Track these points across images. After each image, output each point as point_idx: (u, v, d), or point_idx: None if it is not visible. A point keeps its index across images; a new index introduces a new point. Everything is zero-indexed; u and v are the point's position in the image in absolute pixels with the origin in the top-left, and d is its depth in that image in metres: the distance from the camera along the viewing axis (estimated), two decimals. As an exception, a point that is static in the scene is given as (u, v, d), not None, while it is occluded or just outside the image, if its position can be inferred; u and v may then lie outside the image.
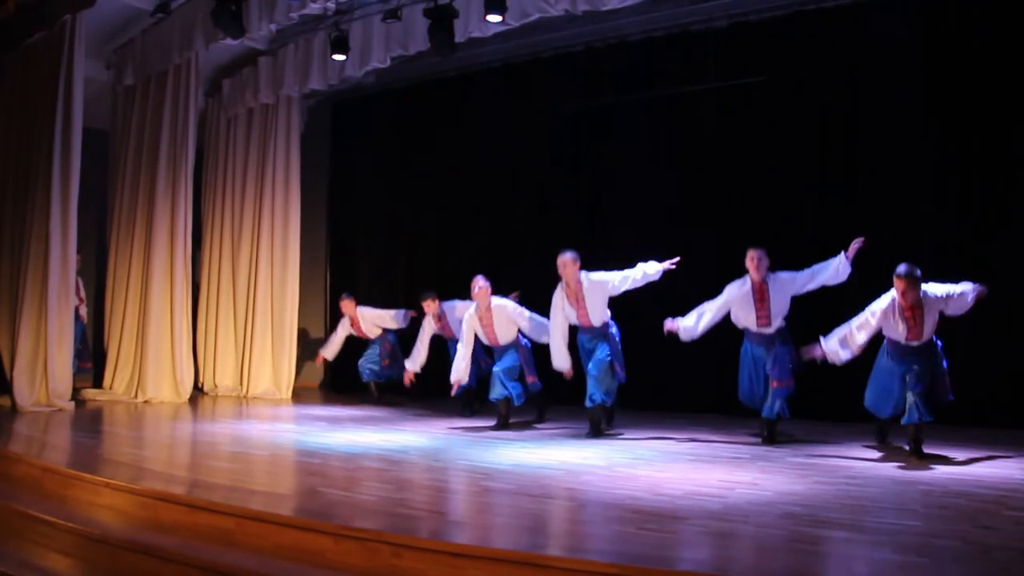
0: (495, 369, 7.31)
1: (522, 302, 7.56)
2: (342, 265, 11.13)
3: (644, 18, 8.55)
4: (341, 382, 10.71)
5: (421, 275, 10.30)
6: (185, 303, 9.40)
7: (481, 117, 9.97)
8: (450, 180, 10.19)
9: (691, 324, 6.43)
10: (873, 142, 7.79)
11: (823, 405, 7.36)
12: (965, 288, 5.64)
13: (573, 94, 9.34)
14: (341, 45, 8.58)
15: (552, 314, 6.98)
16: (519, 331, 7.40)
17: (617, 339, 6.93)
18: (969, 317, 6.96)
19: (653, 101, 8.91)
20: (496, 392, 7.23)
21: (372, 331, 9.50)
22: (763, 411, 6.36)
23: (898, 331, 5.67)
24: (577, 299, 6.79)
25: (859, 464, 5.51)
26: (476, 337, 7.53)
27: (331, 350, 9.83)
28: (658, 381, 8.48)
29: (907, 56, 7.59)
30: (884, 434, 6.13)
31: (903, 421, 5.64)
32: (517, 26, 7.73)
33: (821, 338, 5.91)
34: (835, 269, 6.14)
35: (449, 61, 9.01)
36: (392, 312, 9.37)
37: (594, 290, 6.76)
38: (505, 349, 7.38)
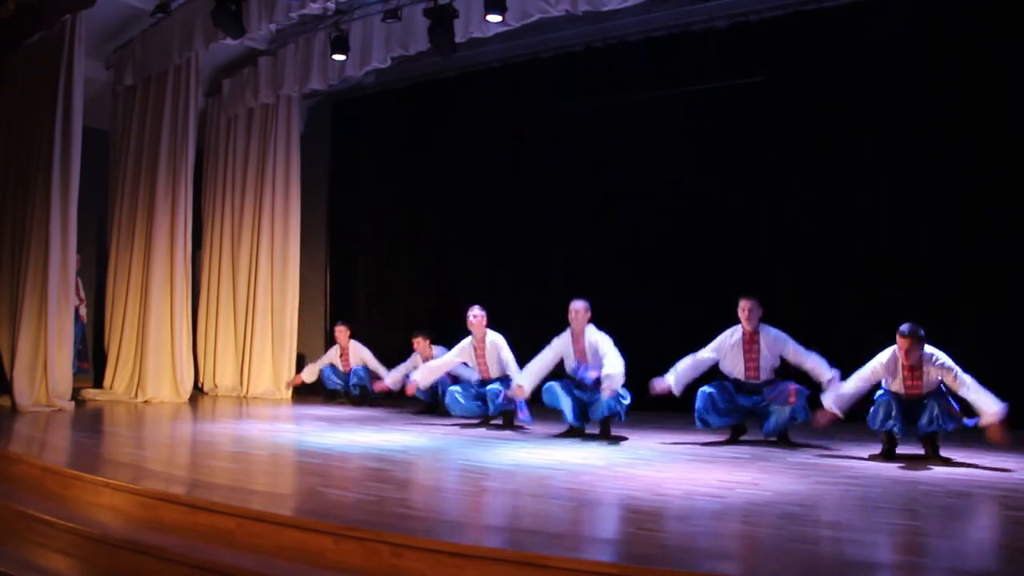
0: (490, 388, 7.21)
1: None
2: (342, 265, 11.14)
3: (644, 18, 8.56)
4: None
5: (421, 274, 10.32)
6: (185, 303, 9.40)
7: (481, 117, 9.98)
8: (450, 180, 10.20)
9: (677, 377, 6.34)
10: (873, 142, 7.80)
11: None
12: (983, 401, 5.36)
13: (573, 94, 9.34)
14: (341, 45, 8.59)
15: (546, 350, 6.78)
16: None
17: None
18: (969, 317, 6.99)
19: (653, 101, 8.92)
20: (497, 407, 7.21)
21: (358, 363, 9.34)
22: (766, 426, 6.21)
23: (897, 385, 5.62)
24: (580, 349, 6.69)
25: (859, 464, 5.51)
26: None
27: (310, 372, 9.69)
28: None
29: (907, 56, 7.60)
30: (893, 448, 5.72)
31: (923, 429, 5.51)
32: (517, 26, 7.73)
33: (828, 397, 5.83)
34: (821, 374, 6.00)
35: (449, 61, 9.02)
36: (382, 367, 9.10)
37: (593, 346, 6.64)
38: (492, 383, 7.28)
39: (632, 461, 5.63)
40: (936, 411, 5.42)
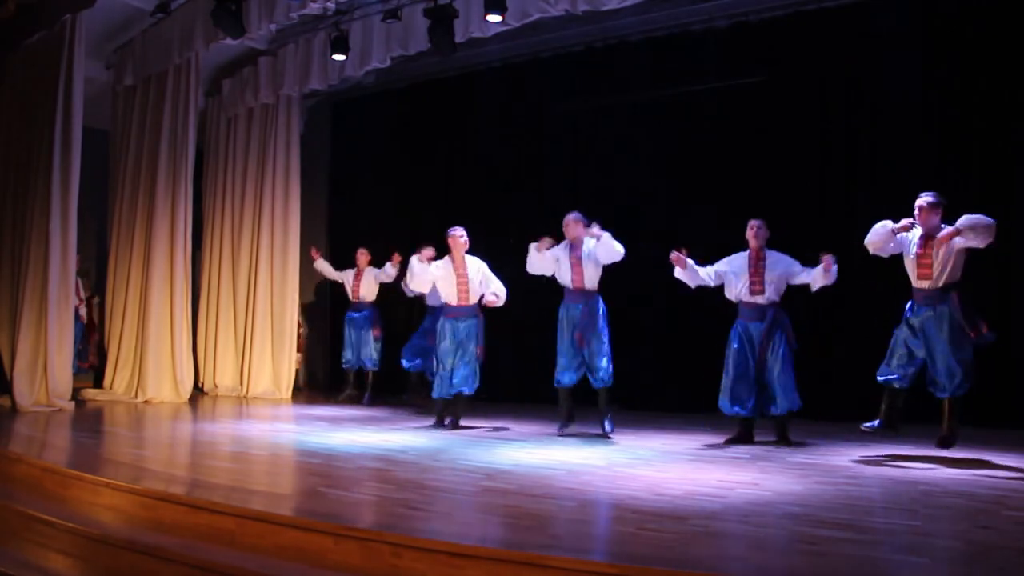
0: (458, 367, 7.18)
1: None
2: (342, 265, 11.11)
3: (644, 18, 8.55)
4: (339, 382, 10.71)
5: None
6: (185, 303, 9.40)
7: (481, 117, 9.98)
8: (450, 180, 10.20)
9: (695, 270, 6.55)
10: (873, 142, 7.80)
11: (823, 405, 7.36)
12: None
13: (573, 94, 9.34)
14: (341, 45, 8.59)
15: (545, 257, 6.92)
16: (480, 304, 7.34)
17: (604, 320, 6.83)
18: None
19: (653, 101, 8.91)
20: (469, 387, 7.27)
21: (369, 290, 9.53)
22: (770, 409, 6.26)
23: (911, 264, 5.64)
24: (577, 259, 6.83)
25: (859, 464, 5.51)
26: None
27: (325, 265, 9.86)
28: (657, 381, 8.49)
29: (907, 56, 7.60)
30: (893, 412, 5.66)
31: (937, 394, 5.50)
32: (517, 26, 7.73)
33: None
34: (820, 272, 6.22)
35: (449, 61, 9.01)
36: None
37: (592, 255, 6.80)
38: (466, 318, 7.25)
39: (632, 461, 5.63)
40: (954, 366, 5.44)
